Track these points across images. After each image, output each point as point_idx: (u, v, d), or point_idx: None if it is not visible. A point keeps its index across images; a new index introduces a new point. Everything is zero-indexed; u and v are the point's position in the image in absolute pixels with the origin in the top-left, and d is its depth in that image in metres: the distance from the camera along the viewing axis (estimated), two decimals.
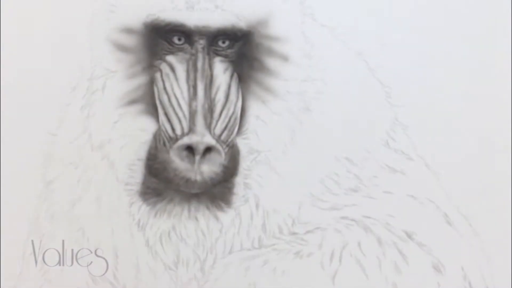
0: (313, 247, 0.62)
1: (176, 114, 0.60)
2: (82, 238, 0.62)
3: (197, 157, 0.59)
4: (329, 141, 0.62)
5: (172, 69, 0.61)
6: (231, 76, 0.61)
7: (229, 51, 0.61)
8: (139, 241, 0.62)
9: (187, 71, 0.61)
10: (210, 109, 0.60)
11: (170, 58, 0.61)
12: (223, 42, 0.61)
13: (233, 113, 0.61)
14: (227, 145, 0.60)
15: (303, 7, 0.61)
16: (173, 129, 0.60)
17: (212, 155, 0.60)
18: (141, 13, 0.61)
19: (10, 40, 0.61)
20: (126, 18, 0.61)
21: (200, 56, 0.60)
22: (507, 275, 0.62)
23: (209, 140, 0.59)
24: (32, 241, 0.62)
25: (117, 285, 0.62)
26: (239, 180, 0.61)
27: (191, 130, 0.60)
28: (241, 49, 0.61)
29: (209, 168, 0.60)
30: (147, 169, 0.61)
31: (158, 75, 0.61)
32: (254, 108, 0.62)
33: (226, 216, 0.62)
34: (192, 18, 0.60)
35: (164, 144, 0.60)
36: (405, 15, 0.62)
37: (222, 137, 0.60)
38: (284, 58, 0.61)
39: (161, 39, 0.61)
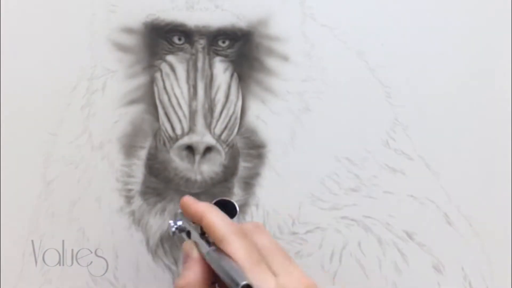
0: (313, 247, 0.62)
1: (176, 113, 0.60)
2: (82, 238, 0.62)
3: (197, 157, 0.60)
4: (329, 141, 0.62)
5: (172, 69, 0.61)
6: (231, 76, 0.61)
7: (229, 51, 0.61)
8: (139, 241, 0.62)
9: (187, 71, 0.61)
10: (210, 109, 0.60)
11: (170, 58, 0.61)
12: (223, 42, 0.61)
13: (233, 113, 0.61)
14: (227, 145, 0.61)
15: (303, 7, 0.61)
16: (173, 129, 0.60)
17: (212, 155, 0.60)
18: (141, 13, 0.61)
19: (10, 40, 0.61)
20: (126, 18, 0.61)
21: (200, 56, 0.61)
22: (507, 275, 0.62)
23: (209, 139, 0.60)
24: (32, 241, 0.62)
25: (117, 285, 0.62)
26: (239, 179, 0.61)
27: (191, 129, 0.60)
28: (241, 49, 0.61)
29: (209, 168, 0.60)
30: (147, 169, 0.61)
31: (158, 75, 0.61)
32: (254, 108, 0.62)
33: None
34: (192, 18, 0.60)
35: (164, 144, 0.61)
36: (405, 15, 0.62)
37: (222, 137, 0.60)
38: (284, 58, 0.61)
39: (161, 39, 0.61)
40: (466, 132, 0.62)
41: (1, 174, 0.61)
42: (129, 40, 0.61)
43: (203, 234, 0.49)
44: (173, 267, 0.62)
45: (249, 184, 0.62)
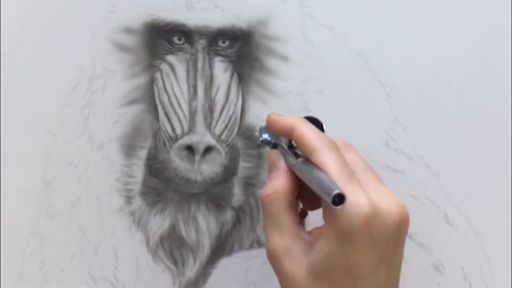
0: None
1: (176, 114, 0.60)
2: (82, 238, 0.62)
3: (197, 157, 0.60)
4: None
5: (172, 69, 0.61)
6: (231, 76, 0.61)
7: (229, 51, 0.61)
8: (139, 241, 0.62)
9: (187, 71, 0.61)
10: (210, 109, 0.60)
11: (170, 58, 0.61)
12: (223, 42, 0.61)
13: (233, 113, 0.61)
14: (227, 145, 0.61)
15: (303, 7, 0.61)
16: (173, 129, 0.60)
17: (212, 155, 0.60)
18: (141, 13, 0.61)
19: (10, 40, 0.61)
20: (126, 18, 0.61)
21: (200, 56, 0.61)
22: (507, 275, 0.62)
23: (209, 140, 0.60)
24: (32, 241, 0.62)
25: (117, 285, 0.62)
26: (239, 179, 0.61)
27: (191, 130, 0.60)
28: (241, 49, 0.61)
29: (209, 168, 0.60)
30: (147, 169, 0.61)
31: (158, 75, 0.61)
32: (254, 108, 0.62)
33: (226, 216, 0.62)
34: (192, 18, 0.60)
35: (164, 144, 0.61)
36: (405, 15, 0.62)
37: (222, 137, 0.60)
38: (284, 58, 0.61)
39: (161, 39, 0.61)
40: (466, 132, 0.62)
41: (1, 174, 0.61)
42: (129, 40, 0.61)
43: (290, 147, 0.50)
44: (173, 267, 0.62)
45: (249, 184, 0.62)
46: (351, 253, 0.43)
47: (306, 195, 0.50)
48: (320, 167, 0.45)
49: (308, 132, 0.47)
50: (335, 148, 0.46)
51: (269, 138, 0.54)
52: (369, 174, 0.47)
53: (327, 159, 0.45)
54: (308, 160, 0.46)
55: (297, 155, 0.48)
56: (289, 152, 0.49)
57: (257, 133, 0.55)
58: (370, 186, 0.45)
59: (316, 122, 0.51)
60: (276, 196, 0.47)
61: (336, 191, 0.41)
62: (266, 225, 0.48)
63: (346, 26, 0.62)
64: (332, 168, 0.44)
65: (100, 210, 0.62)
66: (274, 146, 0.52)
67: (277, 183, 0.48)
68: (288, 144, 0.50)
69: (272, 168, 0.50)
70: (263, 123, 0.55)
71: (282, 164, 0.49)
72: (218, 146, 0.60)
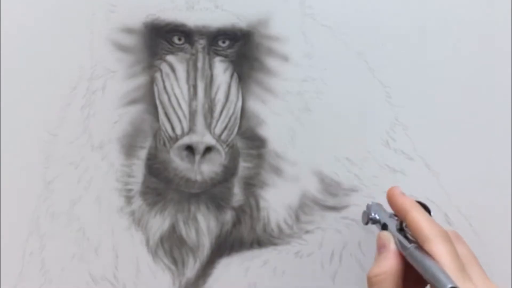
0: (313, 247, 0.62)
1: (176, 114, 0.60)
2: (82, 238, 0.62)
3: (197, 157, 0.60)
4: (329, 141, 0.62)
5: (172, 69, 0.61)
6: (231, 76, 0.61)
7: (229, 51, 0.61)
8: (139, 241, 0.62)
9: (187, 71, 0.61)
10: (210, 109, 0.60)
11: (170, 58, 0.61)
12: (223, 42, 0.61)
13: (233, 113, 0.61)
14: (227, 145, 0.61)
15: (303, 7, 0.61)
16: (173, 129, 0.60)
17: (212, 155, 0.60)
18: (141, 13, 0.61)
19: (10, 40, 0.61)
20: (126, 18, 0.61)
21: (200, 56, 0.61)
22: (507, 275, 0.62)
23: (209, 140, 0.60)
24: (32, 241, 0.62)
25: (117, 285, 0.62)
26: (239, 179, 0.61)
27: (191, 130, 0.60)
28: (241, 49, 0.61)
29: (209, 168, 0.60)
30: (147, 169, 0.61)
31: (158, 75, 0.61)
32: (254, 108, 0.62)
33: (226, 216, 0.62)
34: (192, 18, 0.60)
35: (164, 144, 0.61)
36: (405, 15, 0.62)
37: (222, 137, 0.60)
38: (284, 58, 0.61)
39: (161, 39, 0.61)
40: (466, 132, 0.62)
41: (1, 174, 0.61)
42: (129, 40, 0.61)
43: (401, 229, 0.50)
44: (173, 267, 0.62)
45: (249, 184, 0.62)
46: None
47: (410, 278, 0.50)
48: (433, 257, 0.46)
49: (422, 219, 0.49)
50: (448, 239, 0.47)
51: (378, 217, 0.54)
52: (478, 268, 0.48)
53: (440, 250, 0.46)
54: (420, 247, 0.47)
55: (407, 239, 0.49)
56: (400, 236, 0.50)
57: (365, 210, 0.56)
58: (479, 281, 0.46)
59: (425, 208, 0.52)
60: (385, 277, 0.48)
61: (450, 285, 0.42)
62: None
63: (346, 26, 0.62)
64: (445, 260, 0.45)
65: (100, 210, 0.62)
66: (384, 226, 0.53)
67: (386, 265, 0.49)
68: (398, 227, 0.51)
69: (381, 249, 0.51)
70: (371, 202, 0.57)
71: (392, 246, 0.50)
72: (218, 146, 0.60)
